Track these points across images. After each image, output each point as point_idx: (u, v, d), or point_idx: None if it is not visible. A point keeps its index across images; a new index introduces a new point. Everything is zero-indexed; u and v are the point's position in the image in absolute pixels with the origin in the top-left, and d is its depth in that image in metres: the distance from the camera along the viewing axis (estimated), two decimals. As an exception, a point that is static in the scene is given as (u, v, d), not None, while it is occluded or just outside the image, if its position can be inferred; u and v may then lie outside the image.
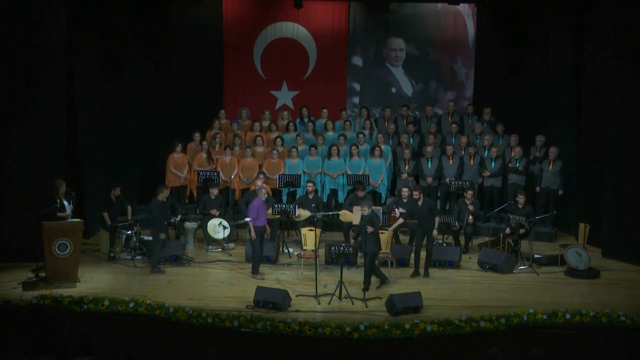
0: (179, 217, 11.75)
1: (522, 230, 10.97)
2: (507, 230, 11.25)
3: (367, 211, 9.65)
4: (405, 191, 11.75)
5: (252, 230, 10.28)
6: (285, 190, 12.96)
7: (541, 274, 10.64)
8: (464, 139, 13.44)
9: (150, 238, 10.86)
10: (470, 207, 11.70)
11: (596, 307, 8.86)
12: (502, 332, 8.38)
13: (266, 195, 10.74)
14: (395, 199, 11.96)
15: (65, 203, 10.50)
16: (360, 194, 11.72)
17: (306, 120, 14.18)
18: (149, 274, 10.35)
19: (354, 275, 10.30)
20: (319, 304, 9.19)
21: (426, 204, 10.55)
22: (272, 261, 10.92)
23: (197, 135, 13.35)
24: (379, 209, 11.02)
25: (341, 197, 13.03)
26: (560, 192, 12.58)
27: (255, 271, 10.24)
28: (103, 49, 12.72)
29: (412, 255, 10.77)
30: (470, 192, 11.85)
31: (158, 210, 10.52)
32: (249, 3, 15.10)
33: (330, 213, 12.01)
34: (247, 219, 10.30)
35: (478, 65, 15.04)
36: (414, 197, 10.58)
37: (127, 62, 13.57)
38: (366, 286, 9.63)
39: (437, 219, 10.61)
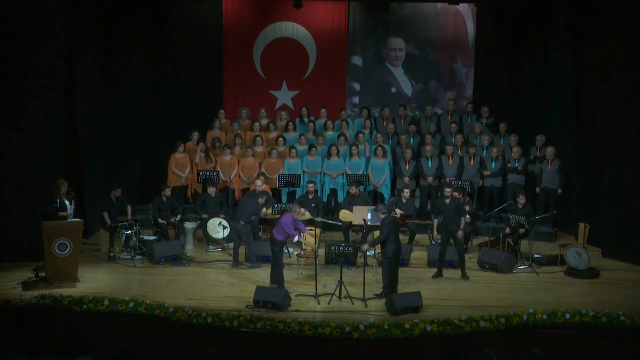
0: (179, 217, 11.77)
1: (522, 230, 10.97)
2: (507, 230, 11.25)
3: (381, 216, 9.54)
4: (406, 192, 11.75)
5: (307, 243, 9.99)
6: (285, 190, 12.96)
7: (541, 274, 10.64)
8: (462, 139, 13.44)
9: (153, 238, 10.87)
10: (467, 207, 11.66)
11: (596, 307, 8.85)
12: (502, 332, 8.37)
13: (300, 214, 10.18)
14: (395, 199, 11.96)
15: (67, 203, 10.51)
16: (352, 190, 11.74)
17: (306, 120, 14.18)
18: (148, 274, 10.35)
19: (354, 275, 10.30)
20: (319, 304, 9.19)
21: (454, 203, 10.43)
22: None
23: (195, 135, 13.36)
24: (378, 209, 11.03)
25: (341, 197, 13.02)
26: (560, 191, 12.58)
27: (280, 285, 9.66)
28: (103, 49, 12.73)
29: (407, 254, 10.74)
30: (455, 192, 11.66)
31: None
32: (249, 3, 15.10)
33: (331, 222, 12.01)
34: (296, 239, 9.90)
35: (478, 65, 15.03)
36: (446, 194, 10.39)
37: (127, 62, 13.58)
38: (383, 292, 9.42)
39: (462, 220, 10.44)
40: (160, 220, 11.58)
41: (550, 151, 12.59)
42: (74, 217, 10.43)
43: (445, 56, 15.17)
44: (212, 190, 11.95)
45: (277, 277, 9.73)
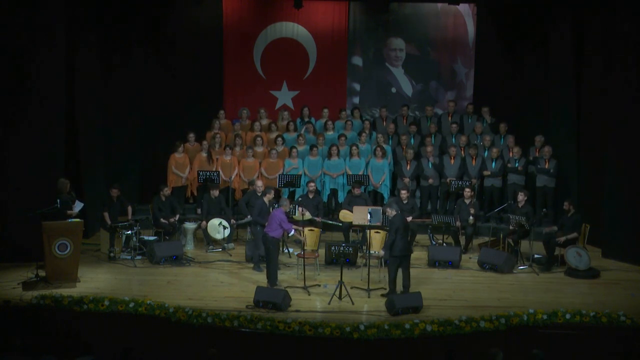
0: (177, 217, 11.75)
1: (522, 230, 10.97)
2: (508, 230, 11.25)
3: (391, 213, 9.55)
4: (404, 193, 11.74)
5: (301, 234, 10.06)
6: (285, 190, 12.95)
7: (541, 274, 10.64)
8: (464, 139, 13.44)
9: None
10: (472, 210, 11.69)
11: (596, 307, 8.86)
12: (502, 332, 8.38)
13: (289, 208, 10.31)
14: (394, 199, 11.95)
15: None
16: (356, 191, 11.75)
17: (307, 120, 14.17)
18: (149, 274, 10.35)
19: (354, 275, 10.30)
20: (309, 294, 9.33)
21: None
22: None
23: (191, 136, 13.36)
24: (378, 209, 11.00)
25: (341, 197, 13.01)
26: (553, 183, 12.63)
27: (273, 283, 9.78)
28: (103, 49, 12.72)
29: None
30: (468, 191, 11.83)
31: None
32: (249, 3, 15.09)
33: (331, 222, 12.00)
34: (292, 233, 9.96)
35: (478, 65, 15.03)
36: (565, 207, 10.92)
37: (127, 62, 13.56)
38: (389, 289, 9.46)
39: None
40: (162, 220, 11.55)
41: (548, 150, 12.61)
42: (74, 217, 10.43)
43: (445, 56, 15.17)
44: (215, 194, 11.92)
45: (269, 274, 9.76)
